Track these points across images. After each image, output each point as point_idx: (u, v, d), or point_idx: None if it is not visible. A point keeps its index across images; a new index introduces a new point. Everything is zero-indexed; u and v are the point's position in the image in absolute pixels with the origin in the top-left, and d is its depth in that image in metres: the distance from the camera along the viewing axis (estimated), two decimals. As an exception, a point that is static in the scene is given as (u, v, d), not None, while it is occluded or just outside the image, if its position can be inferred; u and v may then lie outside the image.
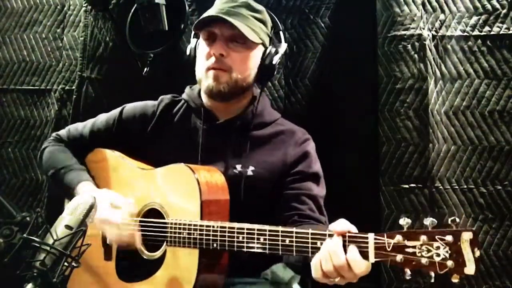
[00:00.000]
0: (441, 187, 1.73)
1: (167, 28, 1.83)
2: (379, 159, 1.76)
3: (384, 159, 1.75)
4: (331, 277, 1.02)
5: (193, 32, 1.48)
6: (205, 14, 1.39)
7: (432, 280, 0.94)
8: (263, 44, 1.44)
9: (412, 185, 1.72)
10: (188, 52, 1.48)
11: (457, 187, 1.74)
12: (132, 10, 1.95)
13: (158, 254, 1.29)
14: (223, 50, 1.36)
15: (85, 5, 2.06)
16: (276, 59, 1.43)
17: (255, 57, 1.43)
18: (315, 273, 1.04)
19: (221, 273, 1.28)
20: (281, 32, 1.52)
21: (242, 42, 1.38)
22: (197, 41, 1.47)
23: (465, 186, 1.74)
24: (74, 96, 2.02)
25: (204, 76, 1.40)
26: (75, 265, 1.01)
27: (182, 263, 1.24)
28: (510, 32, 1.75)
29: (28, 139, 2.14)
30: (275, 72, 1.49)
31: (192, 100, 1.50)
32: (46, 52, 2.17)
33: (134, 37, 1.95)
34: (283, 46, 1.48)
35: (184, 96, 1.54)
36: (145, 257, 1.32)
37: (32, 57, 2.18)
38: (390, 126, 1.75)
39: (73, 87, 2.04)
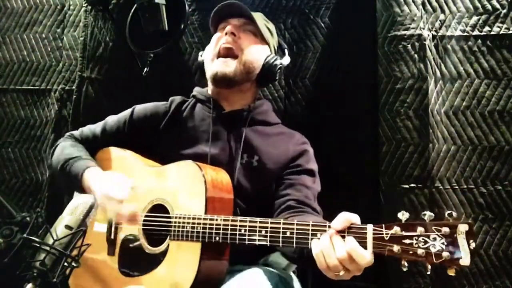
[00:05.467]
0: (441, 187, 1.73)
1: (167, 28, 1.83)
2: (379, 159, 1.77)
3: (384, 159, 1.75)
4: (335, 271, 1.02)
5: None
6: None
7: (429, 272, 0.95)
8: (268, 47, 1.55)
9: (412, 185, 1.72)
10: (200, 58, 1.59)
11: (457, 187, 1.74)
12: (132, 10, 1.95)
13: (161, 248, 1.30)
14: (235, 30, 1.49)
15: (85, 5, 2.06)
16: (277, 63, 1.52)
17: (260, 52, 1.53)
18: (320, 266, 1.04)
19: (222, 266, 1.28)
20: (286, 50, 1.64)
21: (253, 34, 1.52)
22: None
23: (465, 186, 1.74)
24: (74, 96, 2.02)
25: (212, 62, 1.49)
26: (75, 265, 1.01)
27: (184, 256, 1.25)
28: (510, 32, 1.75)
29: (28, 139, 2.14)
30: (275, 78, 1.54)
31: (200, 94, 1.59)
32: (46, 52, 2.17)
33: (134, 37, 1.96)
34: (286, 59, 1.60)
35: (193, 92, 1.61)
36: (147, 251, 1.33)
37: (32, 57, 2.18)
38: (390, 126, 1.75)
39: (73, 87, 2.04)
